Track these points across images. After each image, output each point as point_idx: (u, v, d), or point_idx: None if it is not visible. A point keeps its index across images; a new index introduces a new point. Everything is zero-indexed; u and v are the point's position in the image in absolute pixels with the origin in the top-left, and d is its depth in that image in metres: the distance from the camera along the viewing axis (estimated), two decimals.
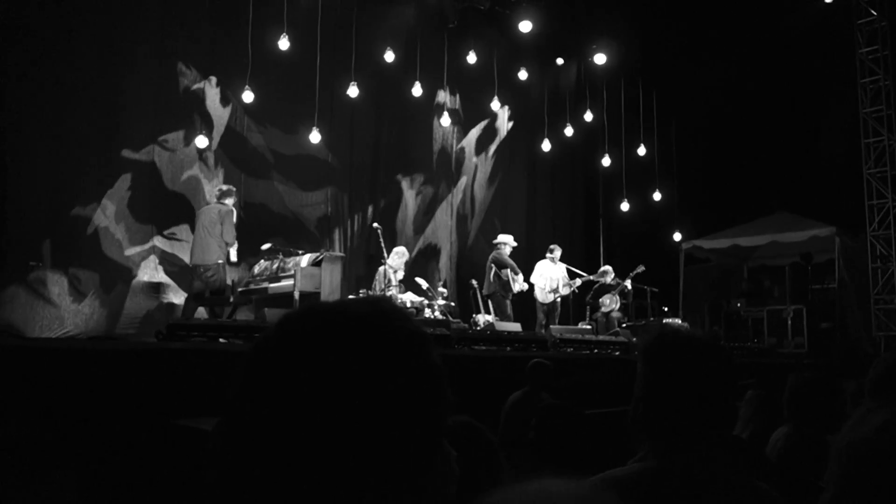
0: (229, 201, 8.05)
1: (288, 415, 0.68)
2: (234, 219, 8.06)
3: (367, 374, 0.70)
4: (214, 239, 7.78)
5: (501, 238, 10.37)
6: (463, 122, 12.49)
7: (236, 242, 8.01)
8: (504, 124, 13.07)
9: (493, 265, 10.07)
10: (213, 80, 9.59)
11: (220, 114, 9.67)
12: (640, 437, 1.53)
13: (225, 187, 8.26)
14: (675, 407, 1.48)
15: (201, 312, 8.13)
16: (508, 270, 9.95)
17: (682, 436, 1.47)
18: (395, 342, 0.73)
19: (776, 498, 1.43)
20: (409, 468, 0.70)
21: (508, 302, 10.05)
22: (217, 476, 0.70)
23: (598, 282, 10.82)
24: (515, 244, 10.36)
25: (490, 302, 10.03)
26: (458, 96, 12.32)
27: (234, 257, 8.16)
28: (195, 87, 9.45)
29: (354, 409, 0.68)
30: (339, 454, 0.67)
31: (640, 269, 10.80)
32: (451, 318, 8.93)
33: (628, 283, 10.79)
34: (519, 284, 10.03)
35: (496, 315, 9.67)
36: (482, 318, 9.45)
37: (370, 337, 0.72)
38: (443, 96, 11.96)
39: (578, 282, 10.61)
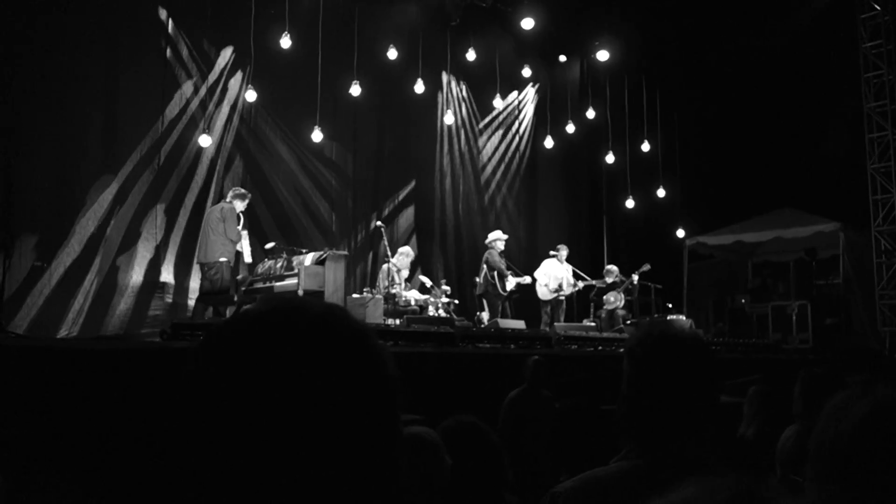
0: (237, 202, 8.08)
1: (233, 416, 0.66)
2: (242, 219, 8.09)
3: (315, 371, 0.68)
4: (218, 238, 7.81)
5: (491, 237, 10.28)
6: (465, 119, 12.48)
7: (244, 240, 8.03)
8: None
9: (484, 265, 10.05)
10: (216, 79, 9.60)
11: (223, 113, 9.68)
12: (625, 436, 1.53)
13: (239, 190, 8.29)
14: (658, 405, 1.49)
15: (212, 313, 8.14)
16: (496, 273, 9.89)
17: (665, 433, 1.47)
18: (346, 340, 0.72)
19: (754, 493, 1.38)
20: (365, 470, 0.69)
21: (499, 302, 10.00)
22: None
23: (601, 287, 10.83)
24: (506, 237, 10.29)
25: (484, 301, 10.01)
26: (460, 94, 12.32)
27: (248, 258, 8.19)
28: (199, 87, 9.46)
29: (301, 407, 0.67)
30: (291, 453, 0.66)
31: (646, 267, 10.77)
32: (454, 317, 8.93)
33: (635, 278, 10.76)
34: (509, 284, 9.98)
35: (490, 314, 9.67)
36: (486, 316, 9.43)
37: (321, 334, 0.71)
38: (445, 94, 11.96)
39: (581, 284, 10.65)
